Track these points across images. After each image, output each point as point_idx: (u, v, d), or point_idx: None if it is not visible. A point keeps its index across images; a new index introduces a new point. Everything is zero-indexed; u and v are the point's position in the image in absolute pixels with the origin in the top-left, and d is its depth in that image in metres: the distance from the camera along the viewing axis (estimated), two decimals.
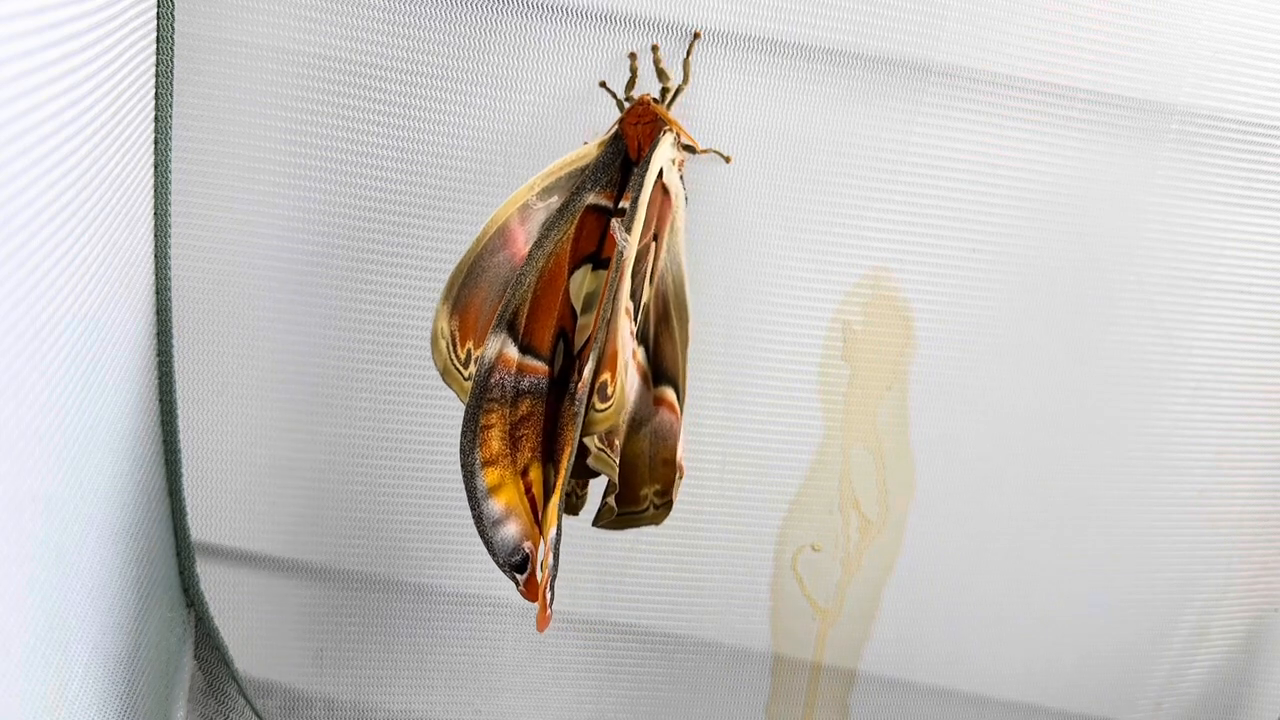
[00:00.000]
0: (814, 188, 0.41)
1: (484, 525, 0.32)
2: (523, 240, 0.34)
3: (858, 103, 0.39)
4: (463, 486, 0.32)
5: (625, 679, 0.49)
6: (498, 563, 0.32)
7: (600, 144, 0.35)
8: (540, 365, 0.33)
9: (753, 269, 0.42)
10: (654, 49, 0.36)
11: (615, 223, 0.33)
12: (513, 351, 0.33)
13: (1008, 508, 0.47)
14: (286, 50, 0.36)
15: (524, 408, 0.33)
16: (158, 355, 0.38)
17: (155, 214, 0.37)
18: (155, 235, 0.37)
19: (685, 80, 0.37)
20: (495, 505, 0.32)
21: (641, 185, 0.33)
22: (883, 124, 0.40)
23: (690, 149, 0.37)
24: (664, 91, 0.36)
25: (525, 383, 0.33)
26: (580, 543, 0.45)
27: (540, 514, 0.33)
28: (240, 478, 0.42)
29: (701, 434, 0.44)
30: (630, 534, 0.44)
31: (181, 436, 0.40)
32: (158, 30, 0.35)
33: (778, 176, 0.40)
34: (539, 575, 0.32)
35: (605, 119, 0.37)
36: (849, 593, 0.48)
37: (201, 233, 0.38)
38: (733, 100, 0.39)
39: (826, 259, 0.42)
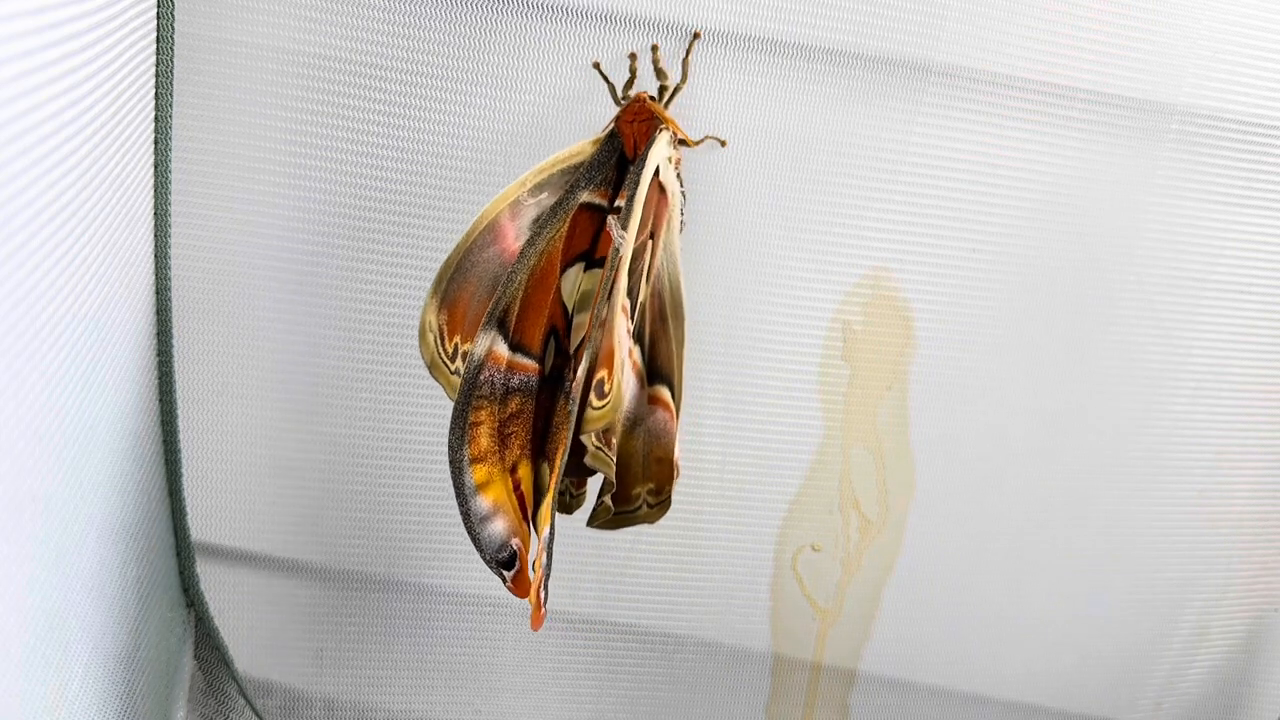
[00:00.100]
0: (814, 188, 0.41)
1: (471, 522, 0.32)
2: (513, 236, 0.34)
3: (858, 103, 0.39)
4: (446, 480, 0.32)
5: (625, 679, 0.49)
6: (485, 559, 0.33)
7: (595, 141, 0.35)
8: (530, 363, 0.33)
9: (753, 269, 0.42)
10: (654, 49, 0.36)
11: (612, 220, 0.33)
12: (502, 349, 0.33)
13: (1008, 508, 0.47)
14: (286, 50, 0.36)
15: (513, 405, 0.33)
16: (158, 355, 0.38)
17: (155, 214, 0.37)
18: (155, 235, 0.37)
19: (684, 79, 0.37)
20: (483, 502, 0.32)
21: (637, 183, 0.33)
22: (883, 124, 0.40)
23: (685, 143, 0.37)
24: (661, 90, 0.36)
25: (515, 380, 0.33)
26: (580, 543, 0.45)
27: (529, 512, 0.33)
28: (240, 478, 0.42)
29: (701, 434, 0.44)
30: (630, 534, 0.44)
31: (181, 436, 0.40)
32: (158, 30, 0.35)
33: (778, 176, 0.40)
34: (531, 574, 0.32)
35: (604, 118, 0.37)
36: (849, 593, 0.48)
37: (201, 232, 0.38)
38: (733, 100, 0.39)
39: (826, 259, 0.42)
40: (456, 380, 0.34)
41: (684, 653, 0.49)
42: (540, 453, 0.34)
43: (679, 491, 0.44)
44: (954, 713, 0.52)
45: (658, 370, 0.37)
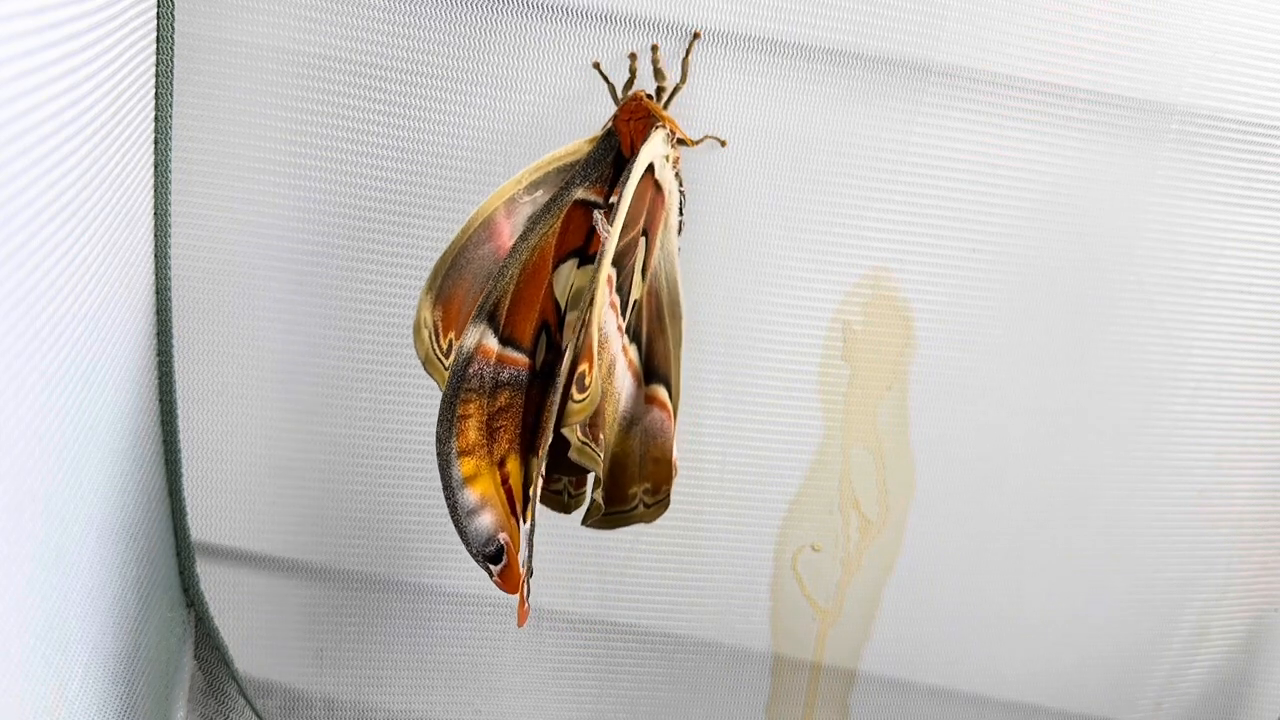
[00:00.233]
0: (814, 187, 0.41)
1: (458, 515, 0.32)
2: (508, 233, 0.34)
3: (858, 103, 0.39)
4: (438, 475, 0.32)
5: (625, 679, 0.49)
6: (471, 553, 0.32)
7: (592, 140, 0.35)
8: (520, 357, 0.33)
9: (753, 269, 0.42)
10: (654, 49, 0.36)
11: (598, 214, 0.33)
12: (492, 342, 0.33)
13: (1008, 507, 0.47)
14: (286, 50, 0.36)
15: (502, 399, 0.33)
16: (158, 355, 0.38)
17: (155, 213, 0.37)
18: (155, 235, 0.37)
19: (683, 79, 0.37)
20: (470, 495, 0.32)
21: (628, 178, 0.33)
22: (883, 124, 0.40)
23: (685, 143, 0.37)
24: (659, 90, 0.36)
25: (505, 374, 0.33)
26: (580, 543, 0.45)
27: (518, 507, 0.33)
28: (240, 478, 0.42)
29: (701, 434, 0.44)
30: (630, 534, 0.44)
31: (181, 436, 0.40)
32: (158, 30, 0.35)
33: (778, 176, 0.40)
34: (520, 569, 0.32)
35: (604, 118, 0.37)
36: (849, 593, 0.48)
37: (201, 232, 0.38)
38: (733, 100, 0.39)
39: (826, 259, 0.42)
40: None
41: (684, 653, 0.49)
42: (531, 448, 0.34)
43: (679, 491, 0.44)
44: (954, 713, 0.52)
45: (655, 370, 0.37)
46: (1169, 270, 0.44)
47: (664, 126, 0.35)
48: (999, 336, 0.44)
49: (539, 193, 0.34)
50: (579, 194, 0.34)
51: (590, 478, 0.36)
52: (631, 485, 0.37)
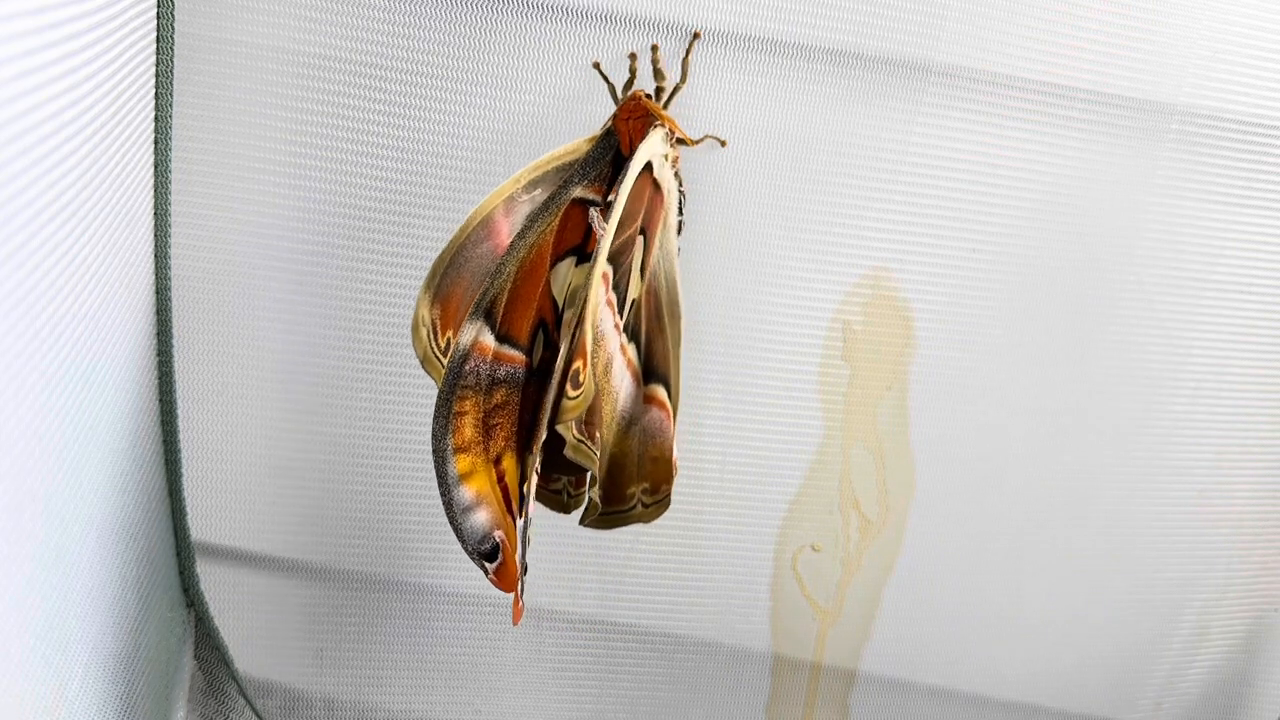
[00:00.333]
0: (814, 187, 0.41)
1: (454, 512, 0.32)
2: (507, 232, 0.34)
3: (858, 103, 0.39)
4: (434, 472, 0.32)
5: (625, 679, 0.49)
6: (467, 550, 0.32)
7: (591, 139, 0.35)
8: (517, 355, 0.33)
9: (753, 269, 0.42)
10: (654, 49, 0.36)
11: (594, 212, 0.33)
12: (489, 339, 0.33)
13: (1008, 507, 0.47)
14: (286, 50, 0.36)
15: (499, 396, 0.33)
16: (158, 355, 0.38)
17: (155, 214, 0.37)
18: (155, 235, 0.37)
19: (683, 79, 0.37)
20: (466, 492, 0.32)
21: (625, 176, 0.33)
22: (883, 124, 0.40)
23: (685, 143, 0.37)
24: (659, 90, 0.36)
25: (501, 371, 0.33)
26: (581, 543, 0.45)
27: (514, 505, 0.33)
28: (241, 477, 0.42)
29: (701, 434, 0.44)
30: (630, 534, 0.44)
31: (181, 436, 0.40)
32: (158, 30, 0.35)
33: (778, 176, 0.40)
34: (517, 565, 0.32)
35: (604, 118, 0.37)
36: (849, 593, 0.48)
37: (201, 232, 0.38)
38: (733, 100, 0.39)
39: (827, 259, 0.42)
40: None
41: (684, 653, 0.49)
42: (528, 446, 0.34)
43: (678, 491, 0.44)
44: (954, 713, 0.52)
45: (654, 369, 0.37)
46: (1169, 270, 0.44)
47: (663, 126, 0.34)
48: (999, 336, 0.44)
49: (537, 191, 0.34)
50: (577, 192, 0.34)
51: (588, 477, 0.36)
52: (630, 485, 0.37)
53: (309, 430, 0.42)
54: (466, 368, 0.32)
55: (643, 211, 0.34)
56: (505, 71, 0.37)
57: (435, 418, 0.32)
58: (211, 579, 0.44)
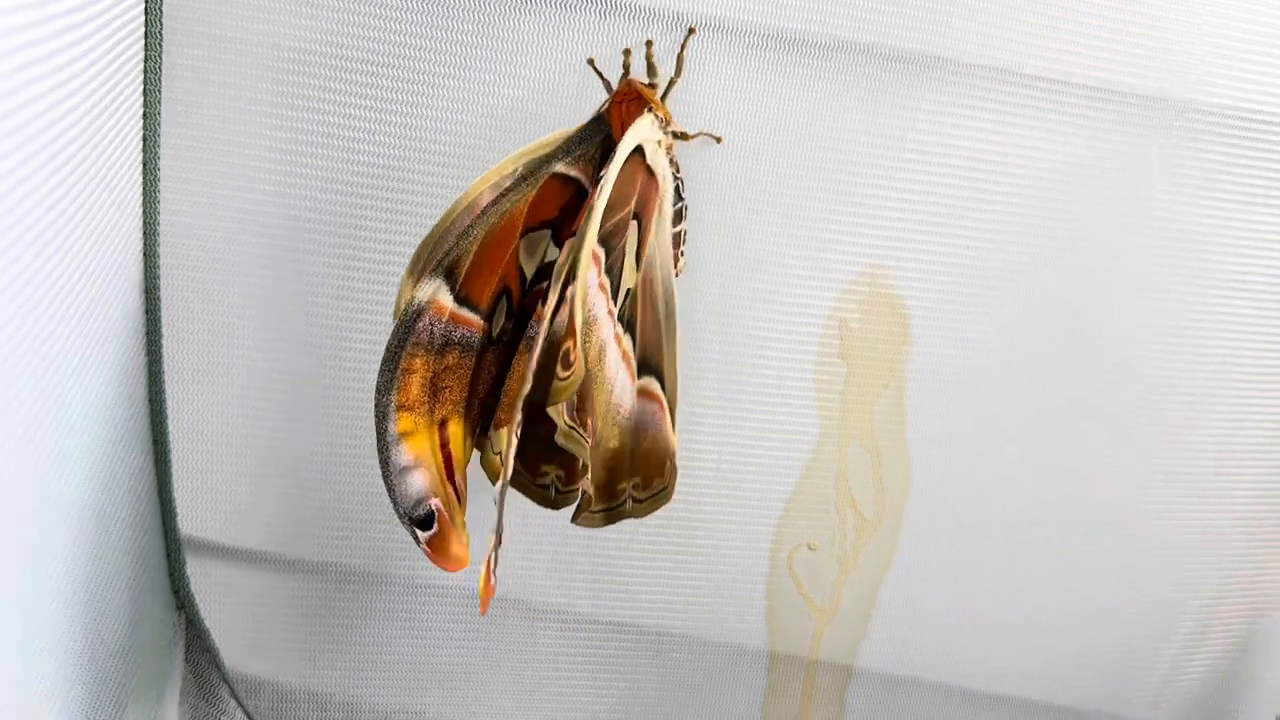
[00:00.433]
0: (811, 183, 0.40)
1: (389, 471, 0.31)
2: None
3: (855, 97, 0.39)
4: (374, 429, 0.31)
5: (620, 677, 0.49)
6: (399, 514, 0.32)
7: (580, 127, 0.34)
8: (475, 319, 0.33)
9: (749, 265, 0.41)
10: (648, 44, 0.36)
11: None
12: (447, 299, 0.32)
13: (1005, 505, 0.47)
14: (276, 42, 0.36)
15: (450, 358, 0.32)
16: (146, 352, 0.38)
17: (144, 208, 0.36)
18: (144, 229, 0.37)
19: (678, 73, 0.36)
20: (404, 453, 0.31)
21: (614, 156, 0.32)
22: (881, 118, 0.39)
23: (683, 136, 0.37)
24: (651, 87, 0.36)
25: (457, 334, 0.32)
26: (576, 540, 0.45)
27: (455, 476, 0.33)
28: (231, 474, 0.42)
29: (697, 432, 0.44)
30: (626, 533, 0.44)
31: (171, 435, 0.40)
32: (145, 24, 0.34)
33: (773, 171, 0.40)
34: (491, 551, 0.31)
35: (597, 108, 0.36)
36: (845, 591, 0.48)
37: (190, 228, 0.38)
38: (728, 94, 0.38)
39: (823, 255, 0.41)
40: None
41: (680, 651, 0.48)
42: (482, 421, 0.33)
43: (677, 491, 0.44)
44: (952, 709, 0.52)
45: (647, 363, 0.36)
46: (1169, 267, 0.44)
47: (653, 111, 0.34)
48: (997, 334, 0.44)
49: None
50: (559, 167, 0.34)
51: (579, 470, 0.36)
52: (620, 481, 0.37)
53: (300, 426, 0.42)
54: (420, 324, 0.32)
55: (635, 196, 0.34)
56: (496, 62, 0.37)
57: (381, 371, 0.31)
58: (202, 576, 0.44)
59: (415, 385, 0.32)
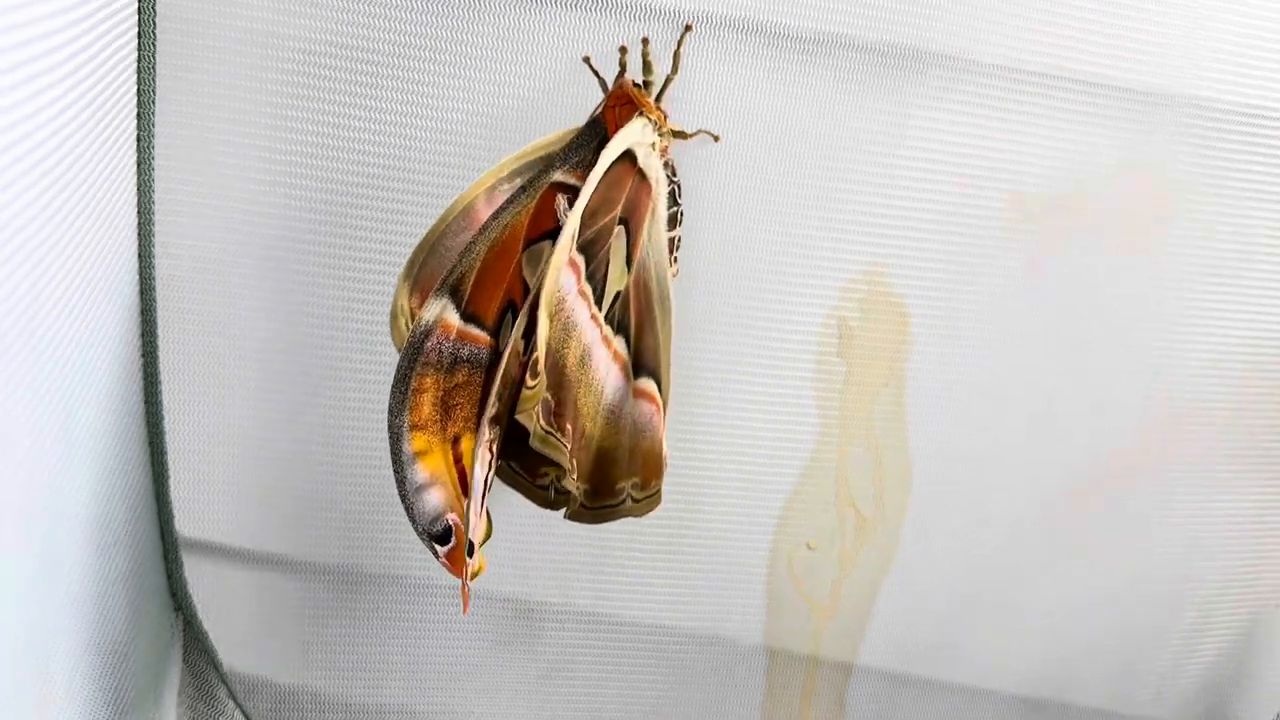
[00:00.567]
0: (810, 179, 0.40)
1: (406, 490, 0.32)
2: None
3: (854, 92, 0.39)
4: (388, 449, 0.32)
5: (619, 674, 0.49)
6: (417, 531, 0.32)
7: (575, 129, 0.34)
8: (482, 335, 0.33)
9: (748, 263, 0.41)
10: (644, 42, 0.36)
11: (561, 199, 0.33)
12: (454, 318, 0.32)
13: (1006, 503, 0.47)
14: (275, 38, 0.35)
15: (460, 376, 0.32)
16: (142, 355, 0.38)
17: (138, 208, 0.36)
18: (139, 230, 0.36)
19: (674, 71, 0.36)
20: (420, 471, 0.32)
21: (596, 161, 0.32)
22: (879, 114, 0.39)
23: (681, 135, 0.37)
24: (647, 84, 0.36)
25: (465, 351, 0.33)
26: (576, 539, 0.45)
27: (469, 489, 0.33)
28: (228, 474, 0.42)
29: (697, 431, 0.44)
30: (626, 533, 0.44)
31: (168, 436, 0.40)
32: (139, 23, 0.34)
33: (771, 169, 0.40)
34: (469, 538, 0.32)
35: (593, 107, 0.36)
36: (845, 590, 0.48)
37: (186, 229, 0.38)
38: (726, 91, 0.38)
39: (822, 253, 0.41)
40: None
41: (679, 649, 0.48)
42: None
43: (674, 488, 0.44)
44: (952, 706, 0.52)
45: (644, 363, 0.36)
46: (1170, 262, 0.43)
47: (645, 115, 0.34)
48: (998, 331, 0.43)
49: (520, 181, 0.34)
50: (558, 176, 0.34)
51: (567, 469, 0.36)
52: (620, 480, 0.37)
53: (298, 425, 0.42)
54: (428, 345, 0.32)
55: (622, 200, 0.34)
56: (493, 61, 0.37)
57: (393, 393, 0.31)
58: (200, 576, 0.43)
59: (427, 405, 0.32)
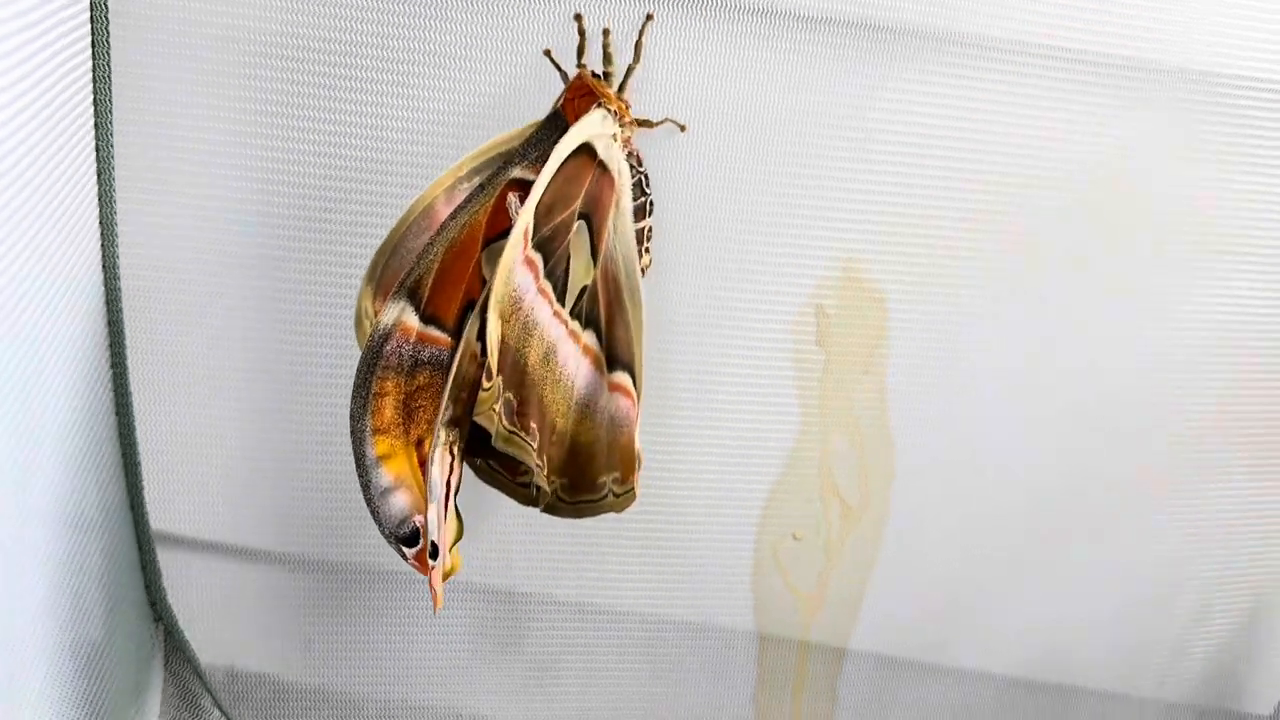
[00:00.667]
0: (781, 167, 0.39)
1: (371, 494, 0.32)
2: None
3: (826, 72, 0.38)
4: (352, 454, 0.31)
5: (610, 667, 0.49)
6: (384, 534, 0.32)
7: (535, 124, 0.34)
8: (442, 336, 0.33)
9: (722, 251, 0.41)
10: (605, 33, 0.35)
11: (513, 198, 0.33)
12: (413, 320, 0.32)
13: (994, 487, 0.47)
14: (234, 35, 0.35)
15: (422, 379, 0.32)
16: (110, 354, 0.38)
17: (100, 206, 0.36)
18: (101, 229, 0.36)
19: (636, 60, 0.36)
20: (384, 475, 0.32)
21: (550, 156, 0.32)
22: (856, 93, 0.38)
23: (645, 124, 0.36)
24: (607, 75, 0.35)
25: (425, 353, 0.32)
26: (563, 532, 0.44)
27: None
28: (204, 472, 0.42)
29: (677, 423, 0.43)
30: (614, 525, 0.43)
31: (139, 435, 0.39)
32: (92, 34, 0.34)
33: (741, 156, 0.39)
34: (433, 540, 0.32)
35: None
36: (833, 579, 0.48)
37: (151, 225, 0.38)
38: (693, 73, 0.38)
39: (797, 242, 0.41)
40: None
41: (670, 641, 0.48)
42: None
43: (657, 483, 0.43)
44: (947, 692, 0.51)
45: (617, 356, 0.36)
46: (1161, 242, 0.43)
47: (603, 106, 0.34)
48: (978, 314, 0.43)
49: (479, 179, 0.34)
50: (516, 173, 0.33)
51: (536, 467, 0.35)
52: (600, 474, 0.37)
53: (271, 420, 0.41)
54: (388, 348, 0.32)
55: (581, 195, 0.33)
56: (460, 58, 0.36)
57: (354, 398, 0.31)
58: (181, 573, 0.43)
59: (389, 408, 0.32)
